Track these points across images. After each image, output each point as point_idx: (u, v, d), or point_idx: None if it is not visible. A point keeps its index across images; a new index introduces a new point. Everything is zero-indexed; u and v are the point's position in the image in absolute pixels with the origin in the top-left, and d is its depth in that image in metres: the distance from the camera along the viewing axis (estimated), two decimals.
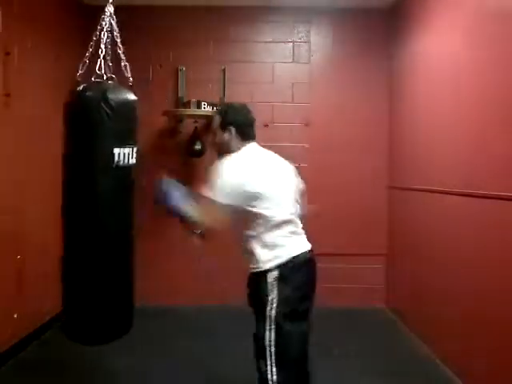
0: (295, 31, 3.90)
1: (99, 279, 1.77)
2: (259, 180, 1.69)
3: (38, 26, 3.03)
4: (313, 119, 3.85)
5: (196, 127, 3.75)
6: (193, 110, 3.57)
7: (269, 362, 1.65)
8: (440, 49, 2.85)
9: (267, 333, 1.67)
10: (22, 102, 2.81)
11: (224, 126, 1.84)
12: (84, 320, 1.81)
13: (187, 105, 3.61)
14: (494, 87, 2.18)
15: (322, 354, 2.83)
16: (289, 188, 1.81)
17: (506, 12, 2.09)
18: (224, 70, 3.82)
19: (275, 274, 1.66)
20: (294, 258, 1.68)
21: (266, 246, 1.69)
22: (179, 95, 3.79)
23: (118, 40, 1.97)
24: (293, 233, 1.73)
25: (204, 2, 3.75)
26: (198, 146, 3.71)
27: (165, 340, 3.07)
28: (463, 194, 2.43)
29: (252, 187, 1.65)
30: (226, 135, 1.85)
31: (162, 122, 3.78)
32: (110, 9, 1.94)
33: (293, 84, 3.89)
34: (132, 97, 1.85)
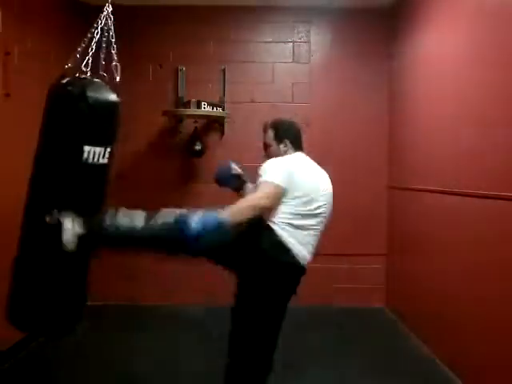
0: (295, 31, 3.89)
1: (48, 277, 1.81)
2: (302, 179, 1.85)
3: (37, 26, 3.03)
4: (313, 119, 3.84)
5: (196, 127, 3.75)
6: (193, 110, 3.57)
7: (235, 370, 1.84)
8: (440, 49, 2.85)
9: (245, 334, 1.83)
10: (22, 102, 2.81)
11: (280, 139, 2.01)
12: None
13: (187, 105, 3.61)
14: (494, 87, 2.18)
15: (323, 355, 2.85)
16: (320, 202, 1.90)
17: (506, 11, 2.09)
18: (224, 70, 3.82)
19: (269, 272, 1.80)
20: (283, 267, 1.83)
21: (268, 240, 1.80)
22: (179, 95, 3.79)
23: (113, 40, 1.97)
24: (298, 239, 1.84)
25: (204, 2, 3.75)
26: (197, 146, 3.71)
27: (170, 339, 3.07)
28: (463, 194, 2.43)
29: (296, 180, 1.81)
30: (283, 147, 2.01)
31: (161, 122, 3.79)
32: (108, 8, 1.93)
33: (293, 84, 3.89)
34: (114, 98, 1.84)
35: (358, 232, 3.81)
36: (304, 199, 1.83)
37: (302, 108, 3.86)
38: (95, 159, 1.78)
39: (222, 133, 3.87)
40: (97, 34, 1.92)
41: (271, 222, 1.80)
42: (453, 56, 2.65)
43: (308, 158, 2.04)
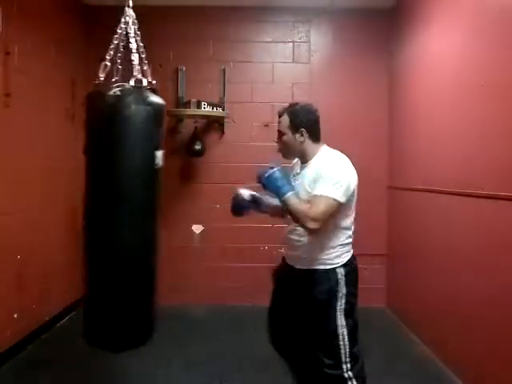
0: (295, 31, 3.90)
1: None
2: (355, 184, 1.79)
3: (37, 26, 3.03)
4: None
5: (196, 127, 3.75)
6: (193, 110, 3.57)
7: (345, 367, 1.70)
8: (440, 49, 2.85)
9: (340, 328, 1.72)
10: (22, 102, 2.81)
11: (296, 128, 1.82)
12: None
13: (187, 105, 3.61)
14: (494, 87, 2.18)
15: None
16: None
17: (506, 11, 2.09)
18: (224, 70, 3.82)
19: (343, 271, 1.76)
20: (354, 258, 1.84)
21: (337, 244, 1.79)
22: (179, 95, 3.79)
23: (141, 44, 1.97)
24: (350, 237, 1.86)
25: (204, 2, 3.75)
26: (197, 146, 3.71)
27: (173, 340, 3.06)
28: (463, 194, 2.43)
29: (353, 188, 1.76)
30: (299, 137, 1.83)
31: None
32: (130, 12, 1.92)
33: (293, 84, 3.89)
34: (163, 101, 1.89)
35: (358, 232, 3.77)
36: (352, 207, 1.82)
37: None
38: (160, 163, 1.83)
39: (222, 133, 3.87)
40: (131, 40, 1.89)
41: (321, 235, 1.73)
42: (453, 56, 2.65)
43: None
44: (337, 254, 1.78)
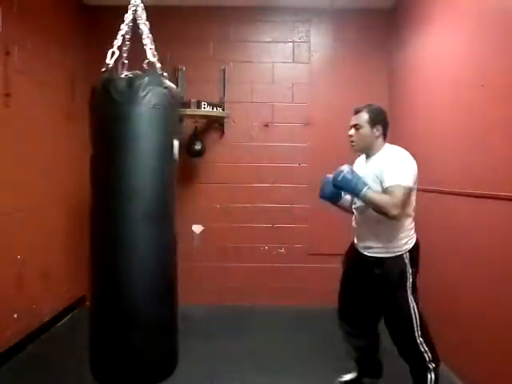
0: (295, 31, 3.90)
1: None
2: (416, 170, 2.01)
3: (37, 25, 3.03)
4: (313, 119, 3.85)
5: (196, 127, 3.76)
6: (193, 110, 3.57)
7: (417, 334, 1.99)
8: (440, 49, 2.85)
9: (411, 303, 1.99)
10: (21, 101, 2.81)
11: (374, 123, 2.06)
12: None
13: (187, 105, 3.61)
14: (494, 87, 2.18)
15: (323, 355, 2.84)
16: None
17: (506, 11, 2.09)
18: (224, 70, 3.82)
19: (408, 255, 2.00)
20: (417, 244, 2.06)
21: (404, 231, 2.01)
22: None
23: (149, 36, 1.90)
24: (413, 222, 2.08)
25: (204, 2, 3.75)
26: (197, 146, 3.71)
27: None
28: (463, 194, 2.43)
29: (416, 175, 2.00)
30: (375, 132, 2.06)
31: None
32: (139, 4, 1.87)
33: (293, 84, 3.89)
34: (178, 88, 1.78)
35: None
36: (415, 193, 2.05)
37: (302, 108, 3.86)
38: (176, 155, 1.69)
39: (222, 133, 3.87)
40: (143, 28, 1.84)
41: (394, 223, 1.97)
42: (453, 56, 2.65)
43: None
44: (405, 241, 2.01)
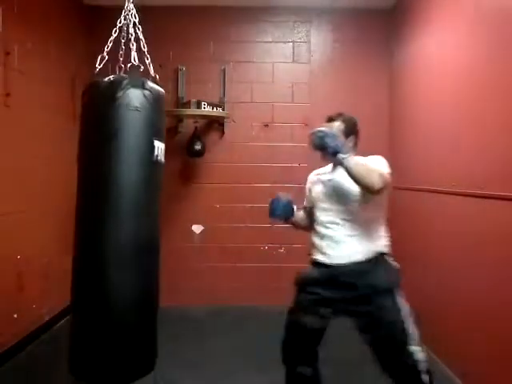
0: (295, 31, 3.90)
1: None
2: None
3: (38, 25, 3.03)
4: (313, 119, 3.84)
5: (196, 127, 3.76)
6: (193, 110, 3.57)
7: (413, 343, 1.79)
8: (440, 49, 2.85)
9: (404, 314, 1.87)
10: (22, 101, 2.81)
11: (348, 134, 1.95)
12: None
13: (187, 105, 3.61)
14: (494, 87, 2.18)
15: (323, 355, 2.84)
16: None
17: (506, 11, 2.09)
18: (224, 70, 3.82)
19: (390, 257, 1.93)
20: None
21: (384, 235, 1.94)
22: (179, 95, 3.79)
23: (142, 38, 1.93)
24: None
25: (204, 2, 3.75)
26: (197, 146, 3.71)
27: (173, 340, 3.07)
28: (463, 194, 2.43)
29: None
30: (348, 143, 1.93)
31: None
32: (131, 6, 1.87)
33: (293, 84, 3.89)
34: (163, 90, 1.76)
35: None
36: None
37: (302, 108, 3.86)
38: (160, 157, 1.68)
39: (222, 133, 3.87)
40: (130, 31, 1.82)
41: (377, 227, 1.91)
42: (453, 56, 2.65)
43: None
44: (385, 243, 1.93)
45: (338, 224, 1.88)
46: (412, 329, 1.82)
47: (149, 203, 1.67)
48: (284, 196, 2.06)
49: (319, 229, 1.97)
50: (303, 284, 1.97)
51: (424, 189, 3.00)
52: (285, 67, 3.89)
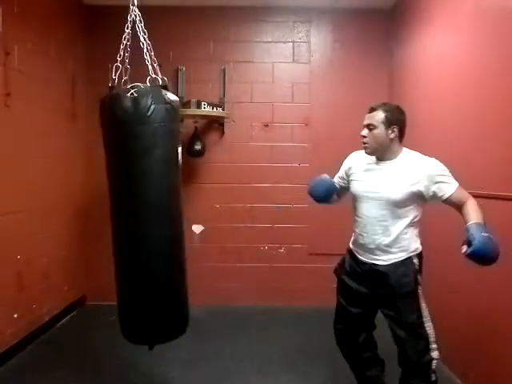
0: (295, 31, 3.90)
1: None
2: None
3: (38, 26, 3.03)
4: (313, 119, 3.85)
5: (196, 127, 3.76)
6: (193, 110, 3.57)
7: (433, 339, 1.94)
8: (440, 48, 2.85)
9: (424, 310, 1.95)
10: (21, 101, 2.81)
11: (390, 124, 1.89)
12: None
13: (187, 105, 3.61)
14: (494, 87, 2.18)
15: (322, 355, 2.84)
16: None
17: (506, 12, 2.09)
18: (224, 70, 3.82)
19: (417, 260, 1.92)
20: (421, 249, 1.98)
21: (415, 237, 1.94)
22: (179, 95, 3.79)
23: (149, 42, 2.00)
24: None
25: (204, 2, 3.75)
26: (197, 146, 3.71)
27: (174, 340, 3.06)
28: None
29: None
30: (390, 133, 1.89)
31: None
32: (136, 11, 1.93)
33: (293, 84, 3.89)
34: (176, 97, 1.94)
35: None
36: None
37: (302, 108, 3.87)
38: (181, 159, 1.94)
39: (222, 133, 3.87)
40: (143, 40, 1.94)
41: (405, 228, 1.92)
42: (453, 56, 2.65)
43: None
44: (416, 240, 1.94)
45: (379, 221, 1.93)
46: (430, 328, 1.93)
47: (178, 205, 2.05)
48: (327, 179, 2.10)
49: (359, 220, 2.04)
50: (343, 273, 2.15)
51: None
52: (285, 67, 3.89)
